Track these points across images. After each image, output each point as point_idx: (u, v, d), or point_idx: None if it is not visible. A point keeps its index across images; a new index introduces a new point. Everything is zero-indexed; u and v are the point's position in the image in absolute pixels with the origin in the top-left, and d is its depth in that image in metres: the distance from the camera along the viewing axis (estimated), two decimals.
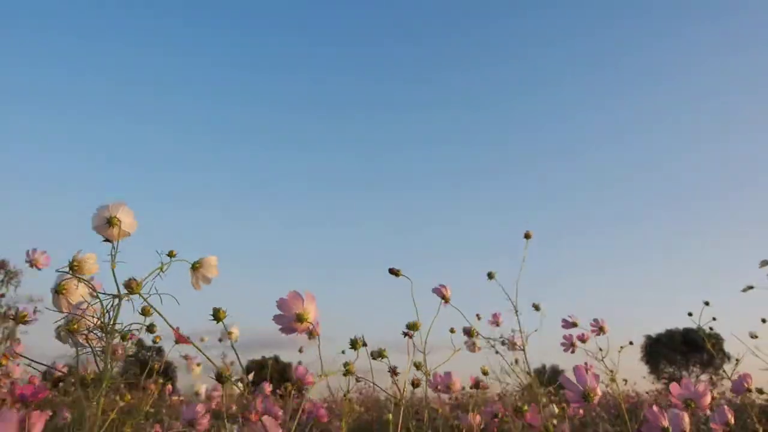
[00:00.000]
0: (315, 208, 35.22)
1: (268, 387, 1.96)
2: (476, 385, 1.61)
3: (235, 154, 37.97)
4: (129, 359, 1.29)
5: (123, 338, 0.96)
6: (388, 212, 35.75)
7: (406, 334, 1.18)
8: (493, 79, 39.92)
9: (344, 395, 1.23)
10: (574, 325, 1.96)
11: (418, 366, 1.22)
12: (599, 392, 1.00)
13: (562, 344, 2.02)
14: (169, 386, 2.67)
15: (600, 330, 2.03)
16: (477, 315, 1.88)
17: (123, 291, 0.90)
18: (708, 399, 0.97)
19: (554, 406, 2.07)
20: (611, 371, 2.05)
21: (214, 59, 40.45)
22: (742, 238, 31.88)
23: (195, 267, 1.02)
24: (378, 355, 1.05)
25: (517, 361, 2.55)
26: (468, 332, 1.34)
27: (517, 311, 1.75)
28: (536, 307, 1.69)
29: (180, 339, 1.42)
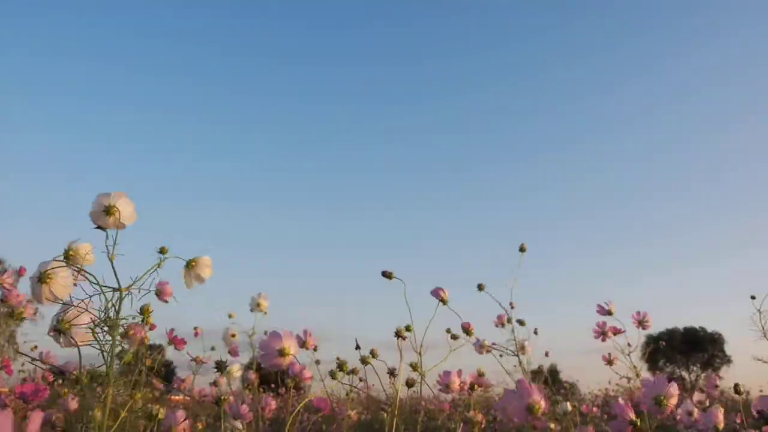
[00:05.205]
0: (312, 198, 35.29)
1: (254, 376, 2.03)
2: (472, 387, 1.61)
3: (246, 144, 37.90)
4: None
5: (126, 334, 0.94)
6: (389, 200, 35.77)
7: (398, 335, 1.18)
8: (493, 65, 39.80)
9: (347, 394, 1.24)
10: (609, 313, 1.85)
11: (414, 367, 1.21)
12: None
13: (594, 331, 1.92)
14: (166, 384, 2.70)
15: (640, 324, 1.92)
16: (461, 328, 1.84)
17: (123, 284, 0.91)
18: (675, 399, 1.00)
19: (568, 403, 2.03)
20: (635, 367, 2.01)
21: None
22: (746, 238, 31.84)
23: (190, 265, 1.02)
24: (364, 361, 1.08)
25: (521, 362, 2.57)
26: (466, 330, 1.34)
27: (511, 320, 1.78)
28: (521, 323, 1.74)
29: (176, 342, 1.45)
